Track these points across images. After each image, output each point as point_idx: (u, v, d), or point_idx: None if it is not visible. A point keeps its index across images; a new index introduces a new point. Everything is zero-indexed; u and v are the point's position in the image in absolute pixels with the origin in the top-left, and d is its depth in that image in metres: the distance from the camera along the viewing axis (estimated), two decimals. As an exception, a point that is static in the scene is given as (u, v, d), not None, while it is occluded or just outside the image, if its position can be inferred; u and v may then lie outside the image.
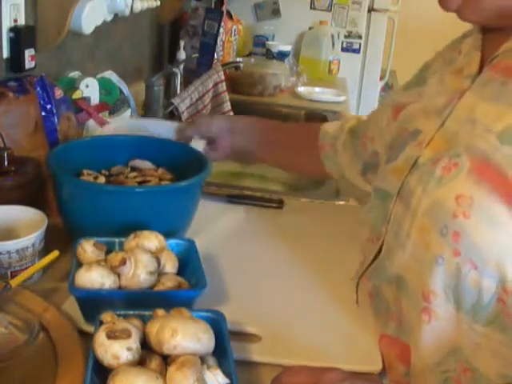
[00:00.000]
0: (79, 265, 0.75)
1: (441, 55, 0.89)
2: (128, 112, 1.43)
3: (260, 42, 2.82)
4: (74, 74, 1.31)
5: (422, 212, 0.68)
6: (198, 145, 1.08)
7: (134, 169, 1.02)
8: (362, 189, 1.08)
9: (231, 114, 1.92)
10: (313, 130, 1.13)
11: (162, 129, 1.14)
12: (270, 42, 2.75)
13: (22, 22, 1.11)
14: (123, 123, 1.18)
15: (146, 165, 1.02)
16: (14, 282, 0.73)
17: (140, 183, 0.96)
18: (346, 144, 1.07)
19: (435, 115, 0.74)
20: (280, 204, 1.17)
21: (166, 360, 0.59)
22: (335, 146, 1.09)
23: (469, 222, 0.62)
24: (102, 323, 0.62)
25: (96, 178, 0.95)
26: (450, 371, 0.67)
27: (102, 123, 1.15)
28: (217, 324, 0.65)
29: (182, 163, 0.99)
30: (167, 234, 0.82)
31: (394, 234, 0.74)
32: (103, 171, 1.00)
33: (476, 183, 0.62)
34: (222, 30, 2.10)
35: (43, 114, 0.99)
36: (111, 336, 0.58)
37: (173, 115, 1.73)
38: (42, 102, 0.98)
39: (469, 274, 0.63)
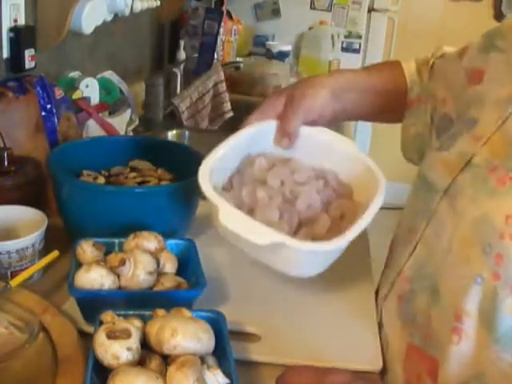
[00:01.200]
0: (79, 265, 0.75)
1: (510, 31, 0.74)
2: (128, 112, 1.43)
3: (260, 42, 2.82)
4: (74, 74, 1.31)
5: (468, 221, 0.64)
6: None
7: (133, 169, 1.02)
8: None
9: (231, 114, 1.92)
10: (398, 75, 0.93)
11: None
12: (270, 42, 2.75)
13: (22, 22, 1.11)
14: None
15: (145, 165, 1.02)
16: (14, 282, 0.73)
17: (139, 183, 0.96)
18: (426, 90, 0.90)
19: (496, 106, 0.67)
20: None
21: (166, 360, 0.59)
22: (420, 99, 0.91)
23: None
24: (101, 323, 0.62)
25: (96, 178, 0.95)
26: None
27: (104, 126, 1.15)
28: (217, 324, 0.65)
29: (181, 163, 0.99)
30: (167, 235, 0.82)
31: (435, 233, 0.70)
32: (103, 172, 1.00)
33: None
34: (221, 29, 2.10)
35: (43, 113, 0.99)
36: (111, 336, 0.58)
37: (173, 115, 1.73)
38: (41, 101, 0.98)
39: (506, 300, 0.60)
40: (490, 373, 0.63)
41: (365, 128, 3.07)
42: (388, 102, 0.91)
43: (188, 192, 0.93)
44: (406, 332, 0.73)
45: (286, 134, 0.79)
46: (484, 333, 0.63)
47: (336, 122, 0.91)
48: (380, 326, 0.80)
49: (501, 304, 0.61)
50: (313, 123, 0.82)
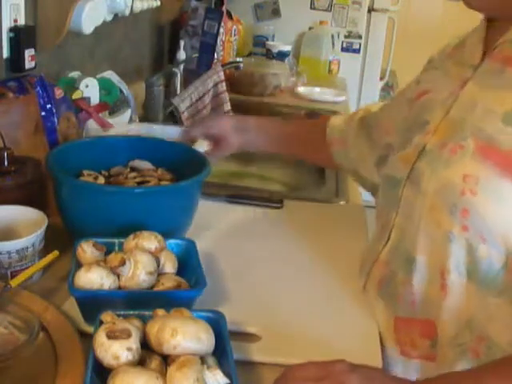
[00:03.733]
0: (79, 265, 0.75)
1: (444, 50, 0.92)
2: (128, 112, 1.43)
3: (260, 42, 2.81)
4: (74, 73, 1.31)
5: (432, 192, 0.72)
6: (202, 146, 1.10)
7: (133, 169, 1.02)
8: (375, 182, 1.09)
9: (231, 114, 1.92)
10: (320, 125, 1.15)
11: (167, 133, 1.15)
12: (270, 42, 2.75)
13: (22, 22, 1.11)
14: (125, 129, 1.18)
15: (145, 165, 1.02)
16: (14, 282, 0.73)
17: (139, 184, 0.95)
18: (358, 137, 1.06)
19: (441, 105, 0.78)
20: (280, 203, 1.17)
21: (166, 360, 0.59)
22: (345, 141, 1.09)
23: (476, 199, 0.67)
24: (101, 323, 0.62)
25: (96, 178, 0.95)
26: (466, 343, 0.72)
27: (104, 126, 1.15)
28: (217, 324, 0.65)
29: (181, 163, 0.99)
30: (167, 235, 0.82)
31: (405, 216, 0.78)
32: (103, 172, 1.00)
33: (481, 163, 0.67)
34: (222, 30, 2.10)
35: (43, 113, 0.98)
36: (111, 336, 0.58)
37: (173, 115, 1.73)
38: (41, 101, 0.98)
39: (479, 247, 0.68)
40: (479, 316, 0.70)
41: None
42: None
43: (188, 192, 0.93)
44: (390, 310, 0.80)
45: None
46: (466, 281, 0.70)
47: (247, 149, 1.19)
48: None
49: (475, 252, 0.68)
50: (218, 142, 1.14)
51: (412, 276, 0.76)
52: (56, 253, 0.81)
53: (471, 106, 0.72)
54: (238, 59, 2.39)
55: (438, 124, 0.76)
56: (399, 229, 0.79)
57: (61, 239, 0.87)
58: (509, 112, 0.67)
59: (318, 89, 2.42)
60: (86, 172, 0.96)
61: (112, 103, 1.36)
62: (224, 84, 1.89)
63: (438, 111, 0.78)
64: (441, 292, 0.72)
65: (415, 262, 0.76)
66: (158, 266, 0.77)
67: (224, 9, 2.15)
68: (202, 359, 0.59)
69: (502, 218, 0.66)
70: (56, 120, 1.00)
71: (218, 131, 1.15)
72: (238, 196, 1.18)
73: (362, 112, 1.09)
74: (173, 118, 1.73)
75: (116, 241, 0.81)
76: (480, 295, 0.70)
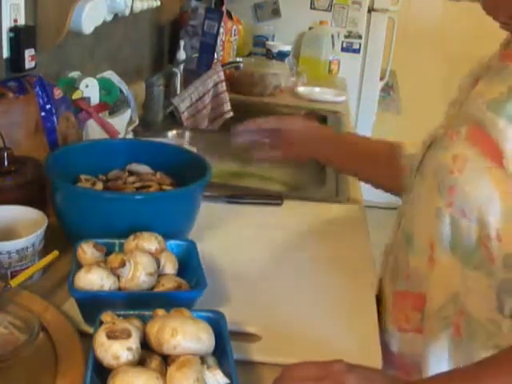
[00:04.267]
0: (79, 266, 0.75)
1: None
2: (128, 112, 1.43)
3: (260, 42, 2.81)
4: (74, 73, 1.31)
5: (430, 175, 0.79)
6: None
7: (131, 173, 1.00)
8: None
9: (231, 114, 1.92)
10: (392, 148, 1.09)
11: None
12: (270, 42, 2.75)
13: (21, 22, 1.11)
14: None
15: (143, 169, 1.01)
16: (14, 282, 0.73)
17: (139, 188, 0.94)
18: None
19: (458, 103, 0.84)
20: (279, 199, 1.16)
21: (166, 360, 0.59)
22: None
23: (461, 177, 0.73)
24: (101, 323, 0.62)
25: (93, 183, 0.94)
26: (450, 317, 0.76)
27: (104, 126, 1.14)
28: (217, 324, 0.65)
29: (180, 167, 0.99)
30: (168, 236, 0.82)
31: (411, 201, 0.85)
32: (100, 176, 0.98)
33: (469, 145, 0.73)
34: (222, 30, 2.10)
35: (43, 114, 0.99)
36: (111, 336, 0.58)
37: (173, 115, 1.73)
38: (41, 102, 0.98)
39: (460, 222, 0.74)
40: (462, 292, 0.75)
41: (365, 130, 3.06)
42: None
43: (191, 196, 0.92)
44: (393, 284, 0.87)
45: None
46: (450, 255, 0.76)
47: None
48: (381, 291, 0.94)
49: (457, 226, 0.74)
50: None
51: (408, 251, 0.83)
52: (56, 253, 0.81)
53: (473, 98, 0.78)
54: (238, 59, 2.39)
55: (448, 114, 0.84)
56: (408, 214, 0.86)
57: (61, 239, 0.87)
58: (493, 99, 0.72)
59: (317, 89, 2.42)
60: (83, 177, 0.95)
61: (112, 103, 1.36)
62: (224, 84, 1.89)
63: (456, 108, 0.84)
64: (429, 265, 0.78)
65: (412, 237, 0.82)
66: (158, 267, 0.76)
67: (224, 9, 2.15)
68: (202, 359, 0.59)
69: (480, 194, 0.71)
70: (55, 120, 1.00)
71: (292, 134, 1.12)
72: (238, 196, 1.18)
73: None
74: (173, 117, 1.73)
75: (116, 242, 0.81)
76: (462, 269, 0.74)
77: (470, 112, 0.76)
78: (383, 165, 1.10)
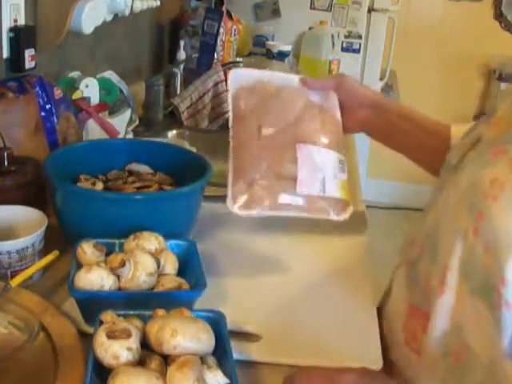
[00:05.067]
0: (79, 266, 0.75)
1: None
2: (128, 112, 1.43)
3: (260, 42, 2.81)
4: (74, 73, 1.31)
5: (463, 187, 0.71)
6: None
7: (131, 173, 1.00)
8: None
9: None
10: (444, 134, 1.02)
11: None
12: (270, 42, 2.74)
13: (22, 22, 1.11)
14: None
15: (143, 169, 1.01)
16: (14, 282, 0.73)
17: (139, 188, 0.94)
18: None
19: (509, 96, 0.76)
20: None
21: (166, 360, 0.59)
22: None
23: (495, 205, 0.65)
24: (101, 323, 0.62)
25: (93, 183, 0.94)
26: (451, 346, 0.71)
27: (104, 126, 1.14)
28: (217, 324, 0.65)
29: (179, 167, 0.99)
30: (168, 236, 0.82)
31: (442, 203, 0.77)
32: (100, 176, 0.98)
33: None
34: (222, 29, 2.10)
35: (43, 114, 0.99)
36: (111, 336, 0.58)
37: (173, 115, 1.73)
38: (41, 102, 0.98)
39: (482, 256, 0.66)
40: (467, 326, 0.69)
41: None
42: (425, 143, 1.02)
43: (192, 196, 0.92)
44: (409, 293, 0.80)
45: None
46: (463, 285, 0.69)
47: (367, 131, 1.05)
48: (388, 294, 0.88)
49: (477, 259, 0.67)
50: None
51: (431, 266, 0.75)
52: (56, 253, 0.81)
53: None
54: (237, 59, 2.39)
55: (499, 117, 0.75)
56: (435, 214, 0.79)
57: (61, 239, 0.87)
58: None
59: (318, 89, 2.41)
60: (83, 177, 0.95)
61: (112, 103, 1.36)
62: (224, 84, 1.89)
63: (506, 102, 0.76)
64: (439, 287, 0.72)
65: (437, 253, 0.75)
66: (158, 266, 0.76)
67: (224, 9, 2.15)
68: (202, 359, 0.59)
69: (509, 230, 0.63)
70: (55, 120, 1.00)
71: (351, 97, 1.03)
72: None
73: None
74: (173, 117, 1.73)
75: (116, 241, 0.81)
76: (472, 303, 0.68)
77: None
78: (431, 146, 1.01)
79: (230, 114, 0.95)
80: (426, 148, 1.02)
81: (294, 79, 1.03)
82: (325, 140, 0.96)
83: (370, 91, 1.05)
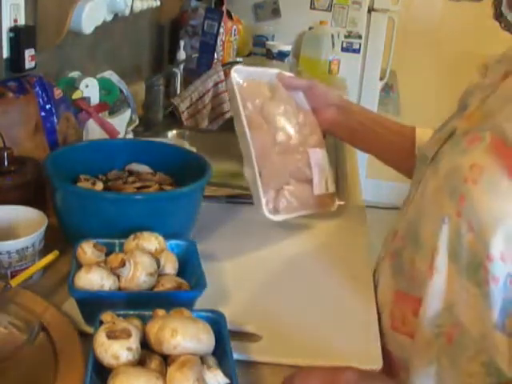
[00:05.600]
0: (79, 266, 0.75)
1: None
2: (128, 112, 1.43)
3: (260, 42, 2.81)
4: (74, 73, 1.31)
5: (442, 175, 0.75)
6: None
7: (131, 173, 1.00)
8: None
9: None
10: (408, 134, 1.09)
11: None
12: (270, 42, 2.75)
13: (22, 22, 1.11)
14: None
15: (143, 169, 1.01)
16: (14, 282, 0.73)
17: (139, 188, 0.94)
18: None
19: (480, 93, 0.81)
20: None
21: (166, 360, 0.59)
22: None
23: (475, 188, 0.69)
24: (101, 323, 0.62)
25: (94, 183, 0.94)
26: (444, 326, 0.75)
27: (103, 126, 1.14)
28: (217, 324, 0.65)
29: (179, 166, 0.99)
30: (169, 236, 0.82)
31: (421, 194, 0.81)
32: (100, 176, 0.98)
33: (490, 156, 0.69)
34: (222, 30, 2.10)
35: (42, 114, 0.99)
36: (111, 336, 0.58)
37: (173, 115, 1.73)
38: (41, 102, 0.98)
39: (466, 235, 0.70)
40: (458, 304, 0.73)
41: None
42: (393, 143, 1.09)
43: (192, 196, 0.92)
44: (395, 281, 0.84)
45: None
46: (451, 266, 0.73)
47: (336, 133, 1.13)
48: (376, 284, 0.91)
49: (462, 238, 0.71)
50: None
51: (416, 252, 0.80)
52: (56, 253, 0.81)
53: (505, 100, 0.73)
54: (237, 59, 2.39)
55: (472, 111, 0.79)
56: (416, 205, 0.83)
57: (61, 239, 0.87)
58: None
59: (318, 89, 2.41)
60: (83, 177, 0.95)
61: (112, 103, 1.36)
62: (224, 84, 1.89)
63: (477, 97, 0.80)
64: (429, 271, 0.75)
65: (419, 240, 0.79)
66: (158, 267, 0.76)
67: (224, 9, 2.15)
68: (202, 359, 0.59)
69: (491, 211, 0.68)
70: (55, 120, 1.00)
71: (320, 99, 1.08)
72: (238, 196, 1.18)
73: None
74: (173, 117, 1.73)
75: (116, 241, 0.81)
76: (461, 282, 0.72)
77: (496, 119, 0.71)
78: (399, 148, 1.08)
79: (243, 119, 0.97)
80: (392, 147, 1.09)
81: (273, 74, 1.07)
82: (318, 140, 1.06)
83: (336, 95, 1.12)
